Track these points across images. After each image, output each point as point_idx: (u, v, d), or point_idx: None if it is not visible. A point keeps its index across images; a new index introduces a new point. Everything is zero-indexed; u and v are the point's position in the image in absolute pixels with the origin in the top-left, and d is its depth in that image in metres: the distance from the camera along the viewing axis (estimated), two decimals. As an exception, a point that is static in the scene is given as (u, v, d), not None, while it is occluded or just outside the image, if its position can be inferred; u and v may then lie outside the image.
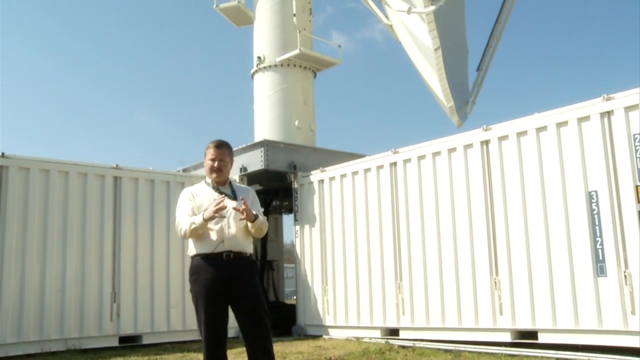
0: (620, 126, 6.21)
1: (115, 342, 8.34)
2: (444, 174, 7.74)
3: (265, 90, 12.18)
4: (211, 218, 3.83)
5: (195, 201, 4.03)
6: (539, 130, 6.86)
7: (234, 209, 3.87)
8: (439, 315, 7.56)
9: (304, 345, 7.98)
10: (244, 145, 10.48)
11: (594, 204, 6.32)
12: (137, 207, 8.91)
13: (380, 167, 8.62)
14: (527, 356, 6.35)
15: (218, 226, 3.92)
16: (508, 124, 7.20)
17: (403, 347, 7.37)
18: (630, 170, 6.11)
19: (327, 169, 9.51)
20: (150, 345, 8.40)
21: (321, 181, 9.55)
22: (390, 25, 11.47)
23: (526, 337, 6.75)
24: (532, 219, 6.82)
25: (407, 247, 8.08)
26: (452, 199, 7.62)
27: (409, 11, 9.23)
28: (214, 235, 3.92)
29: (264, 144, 10.32)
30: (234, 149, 4.32)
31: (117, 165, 8.86)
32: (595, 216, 6.30)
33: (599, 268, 6.21)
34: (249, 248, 4.05)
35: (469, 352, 6.73)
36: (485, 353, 6.61)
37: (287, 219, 12.88)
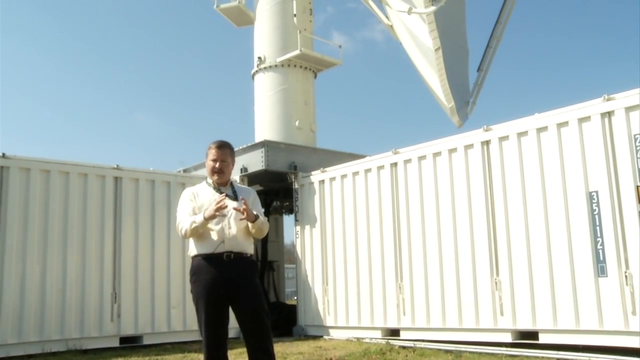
0: (621, 126, 6.21)
1: (115, 343, 8.34)
2: (445, 175, 7.74)
3: (265, 91, 12.19)
4: (212, 217, 3.82)
5: (197, 201, 4.03)
6: (540, 130, 6.86)
7: (235, 209, 3.87)
8: (440, 315, 7.56)
9: (305, 346, 7.98)
10: (245, 146, 10.49)
11: (594, 205, 6.32)
12: (138, 208, 8.91)
13: (380, 168, 8.62)
14: (527, 356, 6.35)
15: (219, 227, 3.92)
16: (508, 125, 7.20)
17: (404, 347, 7.37)
18: (631, 171, 6.11)
19: (327, 169, 9.51)
20: (151, 346, 8.40)
21: (322, 181, 9.55)
22: (391, 26, 11.47)
23: (527, 338, 6.75)
24: (532, 219, 6.81)
25: (407, 248, 8.08)
26: (453, 200, 7.61)
27: (409, 11, 9.23)
28: (214, 236, 3.92)
29: (265, 144, 10.33)
30: (234, 150, 4.32)
31: (117, 165, 8.86)
32: (596, 216, 6.29)
33: (600, 268, 6.20)
34: (249, 249, 4.05)
35: (470, 352, 6.72)
36: (486, 353, 6.60)
37: (287, 220, 12.90)
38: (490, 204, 7.23)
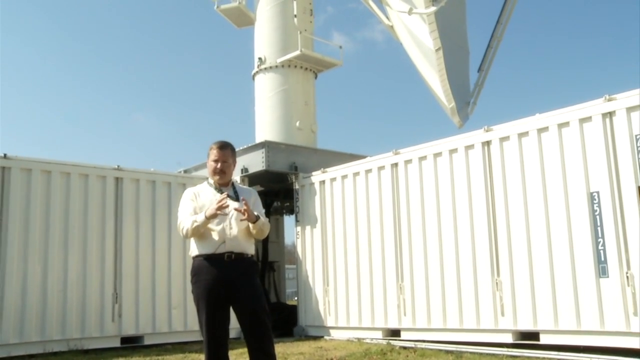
0: (622, 127, 6.21)
1: (117, 343, 8.35)
2: (445, 175, 7.74)
3: (266, 91, 12.19)
4: (213, 216, 3.82)
5: (198, 202, 4.04)
6: (541, 131, 6.86)
7: (236, 209, 3.87)
8: (441, 316, 7.56)
9: (305, 346, 7.98)
10: (245, 146, 10.49)
11: (595, 205, 6.32)
12: (139, 208, 8.92)
13: (381, 168, 8.62)
14: (528, 357, 6.35)
15: (220, 227, 3.92)
16: (509, 125, 7.19)
17: (404, 348, 7.37)
18: (632, 171, 6.11)
19: (328, 169, 9.51)
20: (152, 346, 8.41)
21: (322, 182, 9.55)
22: (391, 26, 11.47)
23: (528, 338, 6.75)
24: (533, 219, 6.81)
25: (408, 248, 8.08)
26: (454, 200, 7.61)
27: (409, 12, 9.22)
28: (215, 236, 3.92)
29: (265, 145, 10.33)
30: (235, 150, 4.32)
31: (118, 166, 8.87)
32: (597, 217, 6.29)
33: (601, 269, 6.20)
34: (250, 249, 4.05)
35: (471, 353, 6.72)
36: (487, 354, 6.60)
37: (288, 220, 12.90)
38: (491, 204, 7.23)
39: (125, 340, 8.45)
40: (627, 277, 6.02)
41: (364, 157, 9.53)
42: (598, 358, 5.95)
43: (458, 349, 6.92)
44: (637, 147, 6.10)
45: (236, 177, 9.97)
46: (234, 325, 3.95)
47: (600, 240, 6.23)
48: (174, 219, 8.51)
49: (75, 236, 8.26)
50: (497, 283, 7.06)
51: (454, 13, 10.76)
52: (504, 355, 6.47)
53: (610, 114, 6.32)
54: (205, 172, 4.24)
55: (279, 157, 10.32)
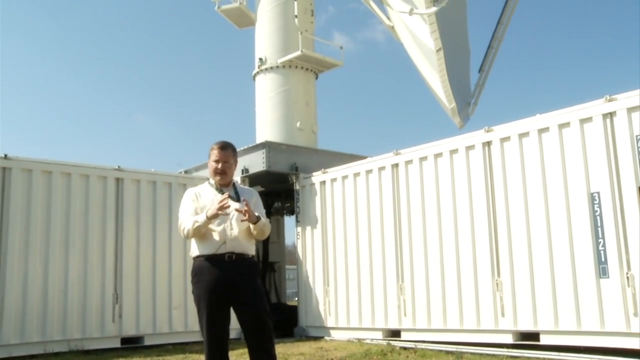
0: (623, 127, 6.21)
1: (117, 343, 8.35)
2: (446, 176, 7.74)
3: (267, 92, 12.20)
4: (215, 216, 3.82)
5: (199, 202, 4.03)
6: (541, 131, 6.86)
7: (237, 210, 3.87)
8: (441, 316, 7.56)
9: (306, 347, 7.98)
10: (246, 147, 10.49)
11: (596, 206, 6.32)
12: (139, 209, 8.92)
13: (382, 169, 8.62)
14: (528, 358, 6.35)
15: (220, 227, 3.92)
16: (510, 125, 7.20)
17: (405, 348, 7.37)
18: (633, 172, 6.11)
19: (328, 170, 9.51)
20: (153, 347, 8.41)
21: (323, 182, 9.55)
22: (392, 27, 11.47)
23: (528, 339, 6.75)
24: (534, 220, 6.81)
25: (408, 249, 8.08)
26: (454, 201, 7.61)
27: (410, 12, 9.22)
28: (216, 237, 3.92)
29: (266, 145, 10.33)
30: (236, 151, 4.32)
31: (119, 166, 8.88)
32: (598, 217, 6.29)
33: (601, 270, 6.20)
34: (251, 250, 4.05)
35: (471, 353, 6.72)
36: (487, 354, 6.60)
37: (288, 221, 12.90)
38: (492, 204, 7.23)
39: (125, 340, 8.46)
40: (628, 277, 6.01)
41: (364, 157, 9.53)
42: (598, 358, 5.95)
43: (458, 350, 6.92)
44: (638, 147, 6.09)
45: (237, 177, 9.97)
46: (235, 325, 3.95)
47: (601, 240, 6.23)
48: (174, 219, 8.53)
49: (76, 237, 8.26)
50: (497, 283, 7.05)
51: (455, 13, 10.76)
52: (504, 355, 6.47)
53: (611, 115, 6.32)
54: (206, 172, 4.25)
55: (279, 158, 10.33)
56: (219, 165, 4.05)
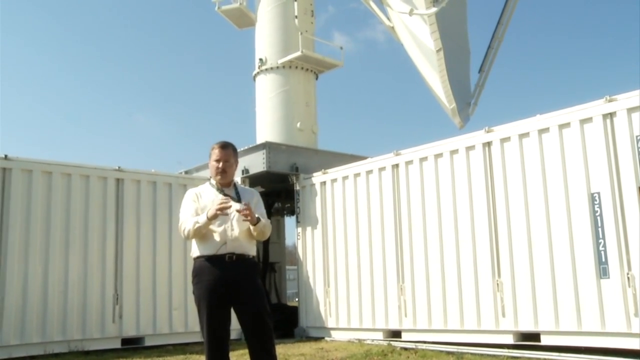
0: (623, 128, 6.21)
1: (117, 344, 8.35)
2: (446, 176, 7.74)
3: (267, 92, 12.20)
4: (214, 216, 3.82)
5: (199, 203, 4.03)
6: (541, 131, 6.86)
7: (237, 211, 3.87)
8: (441, 317, 7.55)
9: (306, 347, 7.98)
10: (246, 147, 10.49)
11: (596, 206, 6.31)
12: (140, 209, 8.92)
13: (382, 169, 8.62)
14: (529, 358, 6.35)
15: (221, 228, 3.91)
16: (510, 126, 7.20)
17: (405, 349, 7.37)
18: (633, 172, 6.11)
19: (329, 170, 9.51)
20: (153, 347, 8.41)
21: (323, 183, 9.55)
22: (392, 27, 11.47)
23: (529, 339, 6.75)
24: (534, 220, 6.81)
25: (409, 249, 8.08)
26: (454, 201, 7.61)
27: (410, 13, 9.22)
28: (217, 237, 3.92)
29: (266, 145, 10.34)
30: (237, 150, 4.32)
31: (119, 167, 8.88)
32: (598, 218, 6.29)
33: (602, 270, 6.20)
34: (251, 250, 4.04)
35: (471, 354, 6.72)
36: (488, 355, 6.60)
37: (289, 221, 12.90)
38: (492, 205, 7.23)
39: (126, 341, 8.45)
40: (628, 278, 6.01)
41: (364, 158, 9.53)
42: (599, 359, 5.95)
43: (459, 350, 6.91)
44: (638, 147, 6.09)
45: (237, 178, 9.97)
46: (235, 326, 3.95)
47: (601, 241, 6.23)
48: (174, 220, 8.52)
49: (76, 237, 8.26)
50: (497, 284, 7.05)
51: (455, 14, 10.76)
52: (504, 356, 6.47)
53: (611, 115, 6.32)
54: (206, 173, 4.25)
55: (279, 158, 10.33)
56: (220, 165, 4.05)
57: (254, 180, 10.43)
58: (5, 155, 7.88)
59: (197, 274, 3.95)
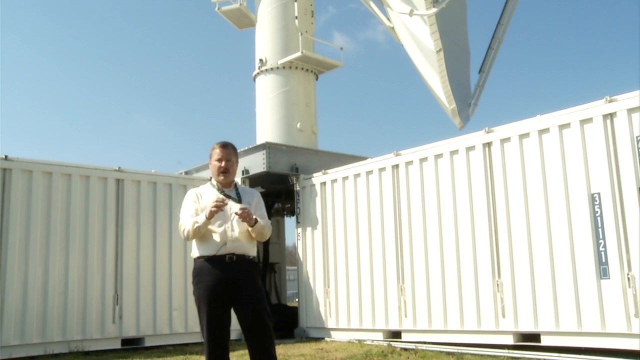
0: (623, 128, 6.21)
1: (117, 345, 8.35)
2: (446, 176, 7.74)
3: (267, 93, 12.21)
4: (212, 215, 3.81)
5: (200, 203, 4.02)
6: (542, 132, 6.86)
7: (236, 213, 3.86)
8: (441, 317, 7.55)
9: (306, 348, 7.98)
10: (246, 148, 10.50)
11: (596, 206, 6.31)
12: (140, 210, 8.92)
13: (382, 170, 8.62)
14: (529, 359, 6.35)
15: (221, 229, 3.91)
16: (510, 126, 7.20)
17: (405, 349, 7.37)
18: (633, 172, 6.11)
19: (329, 171, 9.51)
20: (153, 348, 8.41)
21: (323, 183, 9.55)
22: (392, 28, 11.48)
23: (529, 340, 6.75)
24: (534, 221, 6.81)
25: (409, 250, 8.07)
26: (454, 201, 7.61)
27: (410, 13, 9.23)
28: (217, 238, 3.91)
29: (266, 146, 10.34)
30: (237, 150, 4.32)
31: (119, 167, 8.88)
32: (598, 218, 6.29)
33: (602, 270, 6.19)
34: (252, 251, 4.04)
35: (472, 354, 6.72)
36: (488, 356, 6.60)
37: (289, 222, 12.91)
38: (492, 205, 7.23)
39: (126, 341, 8.46)
40: (628, 278, 6.01)
41: (364, 158, 9.53)
42: (599, 359, 5.94)
43: (459, 351, 6.91)
44: (638, 148, 6.09)
45: (237, 178, 9.95)
46: (235, 326, 3.95)
47: (601, 241, 6.23)
48: (175, 220, 8.53)
49: (76, 238, 8.26)
50: (498, 284, 7.05)
51: (455, 14, 10.77)
52: (505, 356, 6.47)
53: (611, 115, 6.32)
54: (206, 173, 4.25)
55: (280, 159, 10.33)
56: (222, 164, 4.04)
57: (254, 180, 10.43)
58: (6, 156, 7.89)
59: (197, 274, 3.95)
